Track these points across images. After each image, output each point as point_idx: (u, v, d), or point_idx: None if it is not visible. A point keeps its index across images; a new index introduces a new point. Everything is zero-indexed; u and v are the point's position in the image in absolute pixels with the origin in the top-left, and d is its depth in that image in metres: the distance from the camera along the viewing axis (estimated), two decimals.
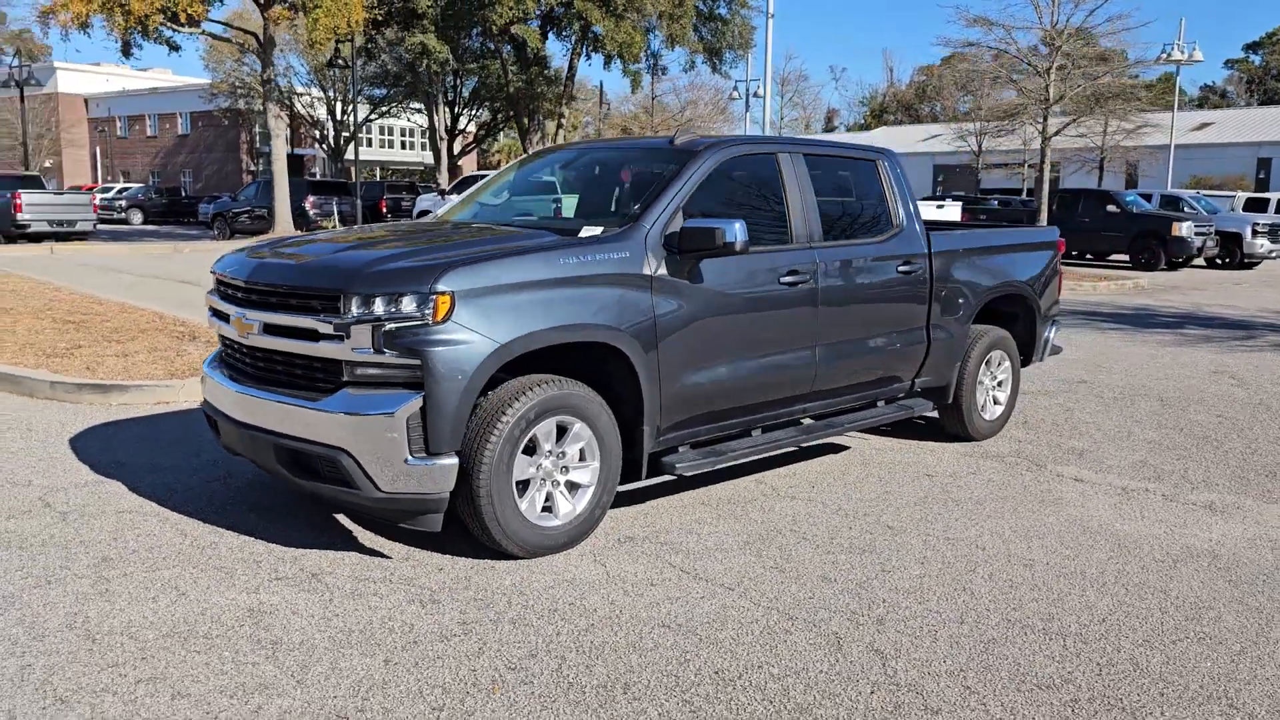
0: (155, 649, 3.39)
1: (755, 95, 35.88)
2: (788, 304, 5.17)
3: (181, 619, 3.63)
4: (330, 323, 4.00)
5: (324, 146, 52.44)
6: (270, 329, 4.26)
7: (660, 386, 4.62)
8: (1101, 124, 32.97)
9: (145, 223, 43.92)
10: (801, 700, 3.18)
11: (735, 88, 36.94)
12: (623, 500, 5.17)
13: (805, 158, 5.49)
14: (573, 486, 4.45)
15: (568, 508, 4.41)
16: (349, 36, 26.69)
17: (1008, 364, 6.84)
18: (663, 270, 4.60)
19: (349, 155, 48.32)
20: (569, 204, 5.60)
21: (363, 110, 49.49)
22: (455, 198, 6.00)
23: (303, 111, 50.84)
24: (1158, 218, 22.49)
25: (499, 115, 43.61)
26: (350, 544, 4.45)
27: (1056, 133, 18.51)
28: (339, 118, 50.26)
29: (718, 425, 5.10)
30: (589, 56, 33.70)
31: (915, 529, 4.88)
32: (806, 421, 5.68)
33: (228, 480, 5.33)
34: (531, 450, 4.28)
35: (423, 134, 54.23)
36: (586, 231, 4.64)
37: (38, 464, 5.56)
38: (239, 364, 4.58)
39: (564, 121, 35.44)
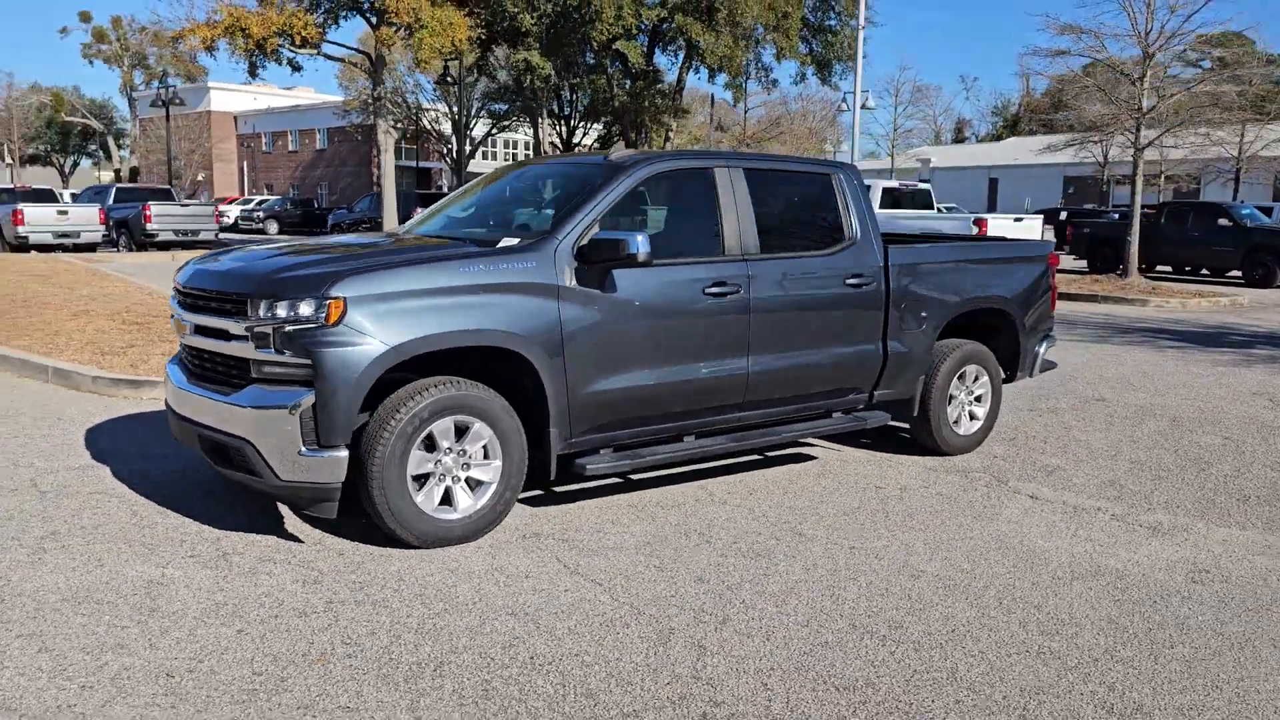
0: (49, 610, 3.82)
1: (864, 107, 35.49)
2: (714, 314, 5.31)
3: (85, 586, 4.06)
4: (240, 324, 4.39)
5: (449, 160, 54.39)
6: (198, 329, 4.70)
7: (568, 391, 4.84)
8: (1237, 135, 31.36)
9: (280, 233, 46.39)
10: (594, 686, 3.36)
11: (844, 99, 36.57)
12: (555, 500, 5.42)
13: (746, 173, 5.62)
14: (474, 483, 4.72)
15: (468, 502, 4.69)
16: (456, 55, 27.76)
17: (985, 379, 6.77)
18: (572, 280, 4.83)
19: (470, 168, 50.11)
20: (515, 216, 5.88)
21: (486, 124, 51.34)
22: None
23: (429, 126, 52.87)
24: (1273, 232, 21.27)
25: (612, 129, 44.50)
26: (275, 529, 4.82)
27: (1148, 144, 17.71)
28: (462, 131, 52.16)
29: (643, 430, 5.28)
30: (696, 70, 34.11)
31: (825, 538, 4.95)
32: (748, 429, 5.79)
33: (201, 468, 5.81)
34: (432, 447, 4.57)
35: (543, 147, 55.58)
36: (506, 243, 4.92)
37: (49, 448, 6.18)
38: (184, 362, 5.04)
39: (671, 135, 35.87)
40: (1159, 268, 22.97)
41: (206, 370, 4.75)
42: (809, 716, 3.21)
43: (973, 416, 6.78)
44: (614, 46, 29.00)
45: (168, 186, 30.28)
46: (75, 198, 28.86)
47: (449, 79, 29.22)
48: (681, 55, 32.67)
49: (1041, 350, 7.16)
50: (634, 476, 5.89)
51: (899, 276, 6.13)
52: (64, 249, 23.21)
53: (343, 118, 54.97)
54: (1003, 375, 6.92)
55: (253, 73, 28.44)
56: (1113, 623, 4.02)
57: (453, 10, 25.11)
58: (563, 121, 48.21)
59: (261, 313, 4.33)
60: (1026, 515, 5.41)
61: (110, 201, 25.29)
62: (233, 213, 49.63)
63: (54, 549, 4.46)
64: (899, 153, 58.60)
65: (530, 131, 54.89)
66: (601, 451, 5.18)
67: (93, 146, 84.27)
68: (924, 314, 6.28)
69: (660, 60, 35.54)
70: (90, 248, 23.76)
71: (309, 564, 4.38)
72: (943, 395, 6.50)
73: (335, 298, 4.28)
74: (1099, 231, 23.09)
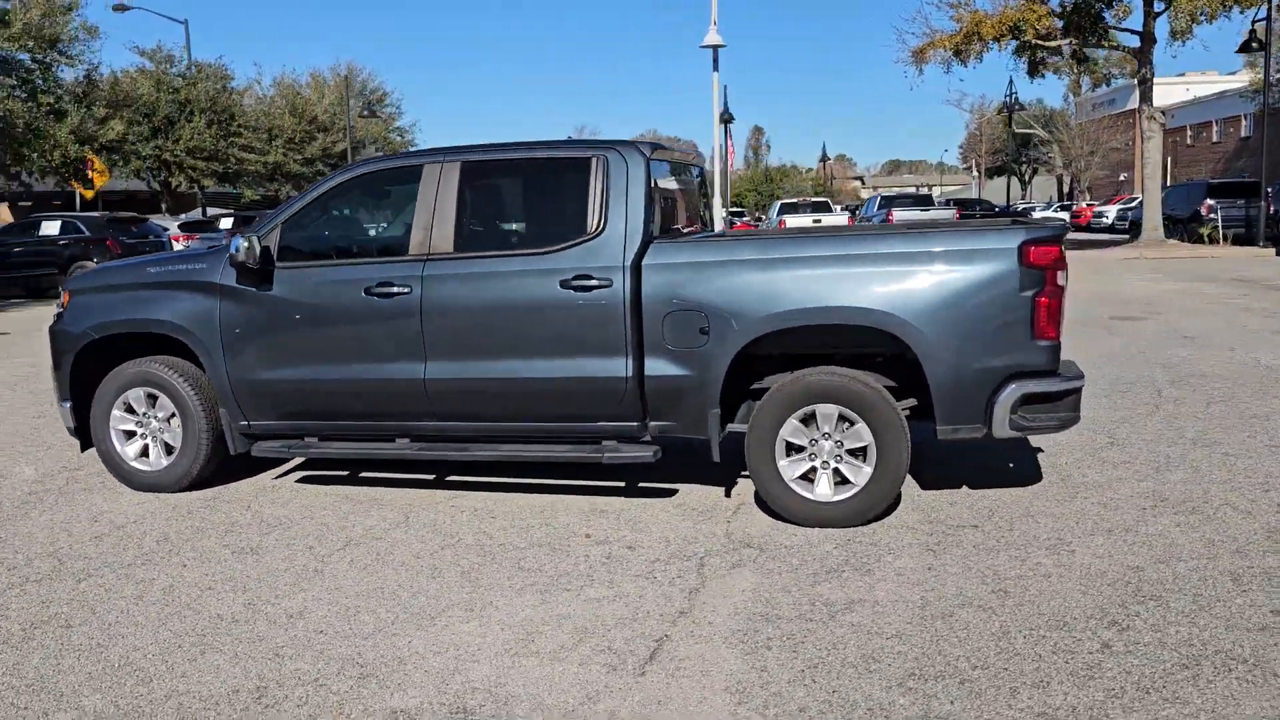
0: None
1: None
2: (377, 316, 5.18)
3: None
4: None
5: None
6: None
7: (229, 377, 5.44)
8: None
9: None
10: None
11: None
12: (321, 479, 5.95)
13: (464, 168, 5.23)
14: (169, 446, 5.70)
15: (157, 458, 5.70)
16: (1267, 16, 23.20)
17: (862, 426, 4.72)
18: (230, 280, 5.41)
19: None
20: None
21: None
22: None
23: None
24: None
25: None
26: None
27: None
28: None
29: (349, 426, 5.46)
30: None
31: (235, 544, 4.64)
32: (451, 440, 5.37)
33: None
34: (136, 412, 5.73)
35: None
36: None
37: None
38: None
39: None
40: None
41: None
42: None
43: (842, 479, 4.81)
44: None
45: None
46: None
47: (1254, 44, 24.30)
48: None
49: (1006, 396, 4.58)
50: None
51: (656, 279, 4.86)
52: None
53: (1252, 100, 48.34)
54: (903, 424, 4.72)
55: (1033, 72, 27.96)
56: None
57: None
58: None
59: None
60: (508, 590, 4.06)
61: (874, 208, 27.86)
62: (1110, 213, 48.42)
63: None
64: None
65: None
66: (307, 439, 5.57)
67: (1049, 154, 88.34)
68: (704, 329, 4.81)
69: None
70: None
71: (48, 479, 6.00)
72: (763, 443, 4.83)
73: (65, 290, 5.80)
74: None
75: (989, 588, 4.01)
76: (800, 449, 4.84)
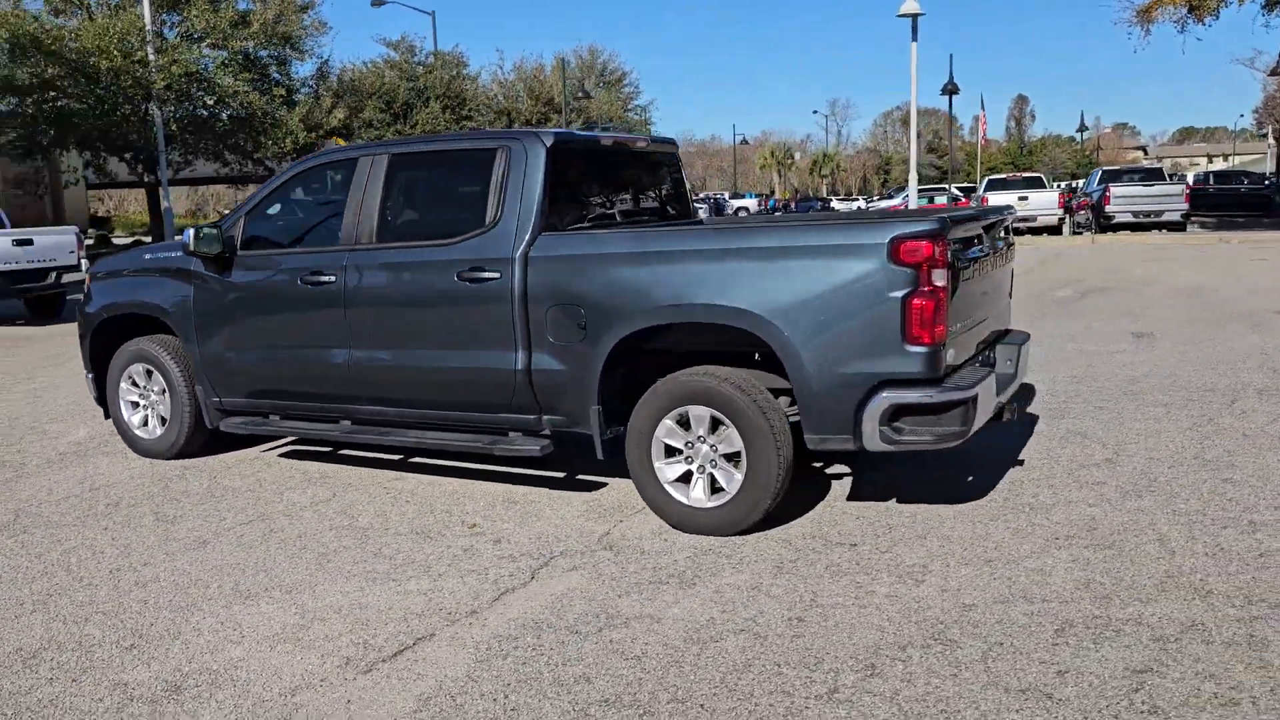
0: None
1: None
2: (309, 304, 5.43)
3: None
4: None
5: None
6: None
7: (201, 355, 5.90)
8: None
9: None
10: None
11: None
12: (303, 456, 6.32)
13: (391, 159, 5.36)
14: (163, 417, 6.24)
15: (155, 429, 6.26)
16: None
17: (733, 432, 4.47)
18: (198, 266, 5.84)
19: None
20: None
21: None
22: None
23: None
24: None
25: None
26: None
27: None
28: None
29: (303, 406, 5.79)
30: None
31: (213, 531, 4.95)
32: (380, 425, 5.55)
33: None
34: (141, 384, 6.31)
35: None
36: None
37: None
38: None
39: None
40: None
41: None
42: None
43: (716, 487, 4.57)
44: None
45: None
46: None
47: None
48: None
49: (875, 406, 4.18)
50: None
51: (540, 271, 4.80)
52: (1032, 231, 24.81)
53: None
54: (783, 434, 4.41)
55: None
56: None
57: None
58: None
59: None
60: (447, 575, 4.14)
61: (1094, 184, 25.49)
62: None
63: None
64: None
65: None
66: (271, 417, 5.95)
67: None
68: (581, 324, 4.71)
69: None
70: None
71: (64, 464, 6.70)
72: (640, 443, 4.69)
73: (88, 275, 6.46)
74: None
75: (790, 615, 3.70)
76: (678, 451, 4.64)
